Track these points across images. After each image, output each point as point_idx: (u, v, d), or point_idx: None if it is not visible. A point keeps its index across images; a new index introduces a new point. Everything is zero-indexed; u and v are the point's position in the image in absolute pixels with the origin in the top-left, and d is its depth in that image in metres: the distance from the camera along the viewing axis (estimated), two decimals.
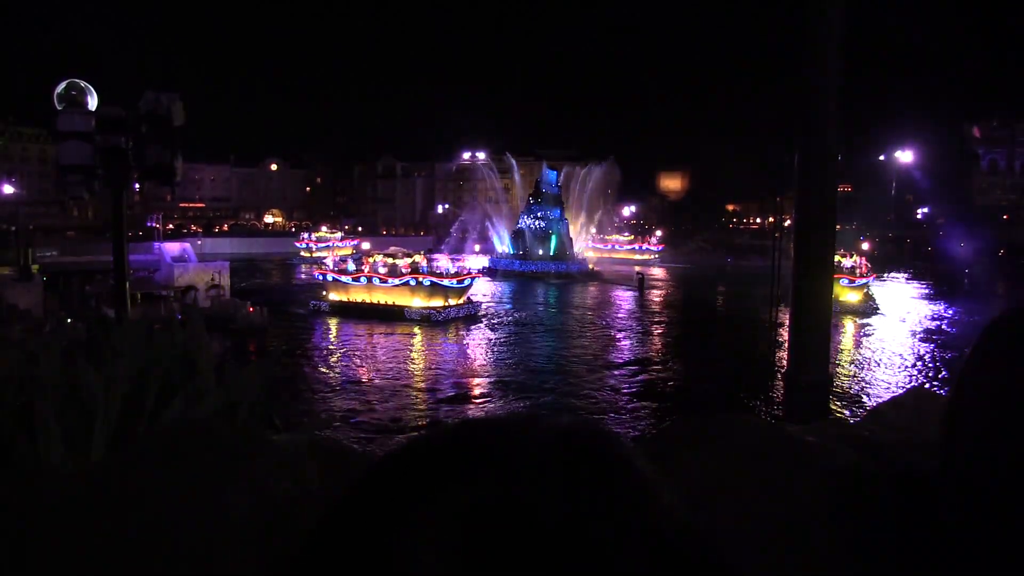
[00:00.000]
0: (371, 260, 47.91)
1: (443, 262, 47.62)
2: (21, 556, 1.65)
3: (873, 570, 1.01)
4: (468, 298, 47.07)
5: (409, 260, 47.19)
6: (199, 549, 1.63)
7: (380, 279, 46.47)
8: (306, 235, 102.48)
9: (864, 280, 49.83)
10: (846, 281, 48.09)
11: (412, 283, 45.45)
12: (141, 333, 3.94)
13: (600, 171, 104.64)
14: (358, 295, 46.53)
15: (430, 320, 43.30)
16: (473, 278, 49.05)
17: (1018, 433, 0.81)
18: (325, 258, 50.64)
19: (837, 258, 48.87)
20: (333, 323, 43.48)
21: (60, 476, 2.78)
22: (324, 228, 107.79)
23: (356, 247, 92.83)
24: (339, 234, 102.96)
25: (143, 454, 2.23)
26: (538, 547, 0.43)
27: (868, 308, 48.12)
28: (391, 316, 44.03)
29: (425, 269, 46.07)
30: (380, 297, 46.10)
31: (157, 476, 1.91)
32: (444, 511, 0.45)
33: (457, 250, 54.82)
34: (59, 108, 11.17)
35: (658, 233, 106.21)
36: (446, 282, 45.58)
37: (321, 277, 48.47)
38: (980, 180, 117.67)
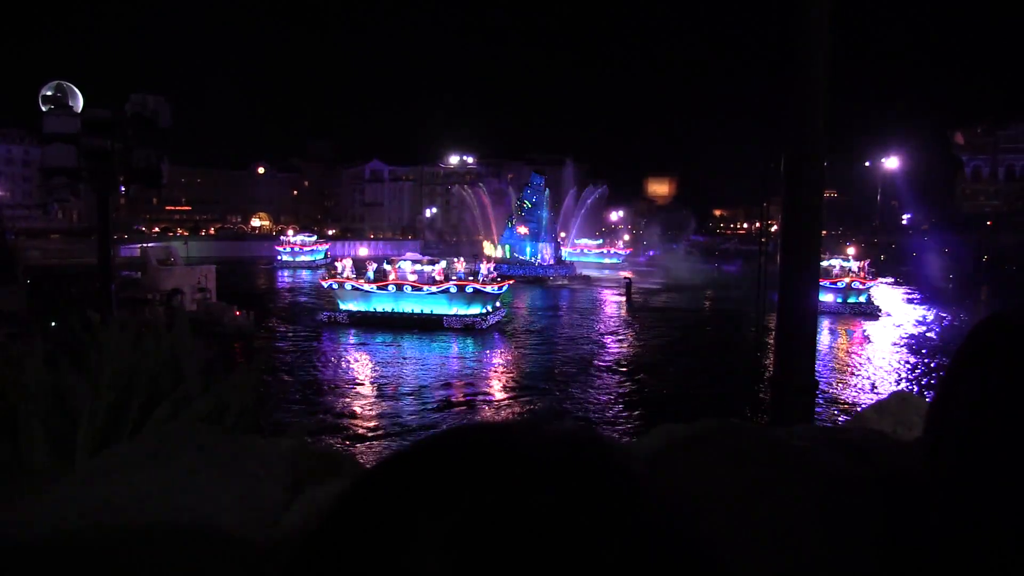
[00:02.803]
0: (397, 267, 44.59)
1: (482, 267, 45.33)
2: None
3: (860, 573, 1.02)
4: (499, 304, 45.20)
5: (439, 266, 44.68)
6: (185, 555, 1.62)
7: (413, 287, 43.33)
8: (289, 238, 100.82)
9: (873, 283, 51.35)
10: (857, 283, 49.52)
11: (453, 290, 42.89)
12: (127, 336, 3.91)
13: (588, 181, 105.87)
14: (383, 304, 43.42)
15: (474, 328, 41.10)
16: (509, 284, 47.38)
17: (1002, 436, 0.81)
18: (335, 265, 46.78)
19: (840, 262, 50.87)
20: (361, 336, 40.18)
21: (43, 480, 2.76)
22: (290, 232, 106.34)
23: (329, 252, 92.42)
24: (314, 237, 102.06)
25: (128, 458, 2.21)
26: (539, 551, 0.44)
27: (874, 310, 49.36)
28: (426, 326, 41.52)
29: (461, 275, 43.74)
30: (412, 306, 43.26)
31: (142, 481, 1.90)
32: (446, 516, 0.45)
33: (451, 255, 53.20)
34: (44, 110, 11.11)
35: (625, 237, 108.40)
36: (489, 288, 43.33)
37: (336, 286, 44.27)
38: (964, 186, 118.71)
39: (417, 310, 43.37)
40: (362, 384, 29.76)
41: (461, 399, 26.91)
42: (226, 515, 1.62)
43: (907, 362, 34.72)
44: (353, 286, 43.93)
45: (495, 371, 32.63)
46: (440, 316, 42.44)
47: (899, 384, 29.71)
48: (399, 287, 43.69)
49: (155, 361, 3.70)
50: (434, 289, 43.30)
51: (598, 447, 0.52)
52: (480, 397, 27.40)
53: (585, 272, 78.83)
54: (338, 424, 23.19)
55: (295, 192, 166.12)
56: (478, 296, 43.19)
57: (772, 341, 7.30)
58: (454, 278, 43.92)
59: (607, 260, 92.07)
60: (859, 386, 29.65)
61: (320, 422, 22.69)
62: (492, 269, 47.23)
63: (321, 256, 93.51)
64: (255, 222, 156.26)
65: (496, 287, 44.27)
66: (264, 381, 27.42)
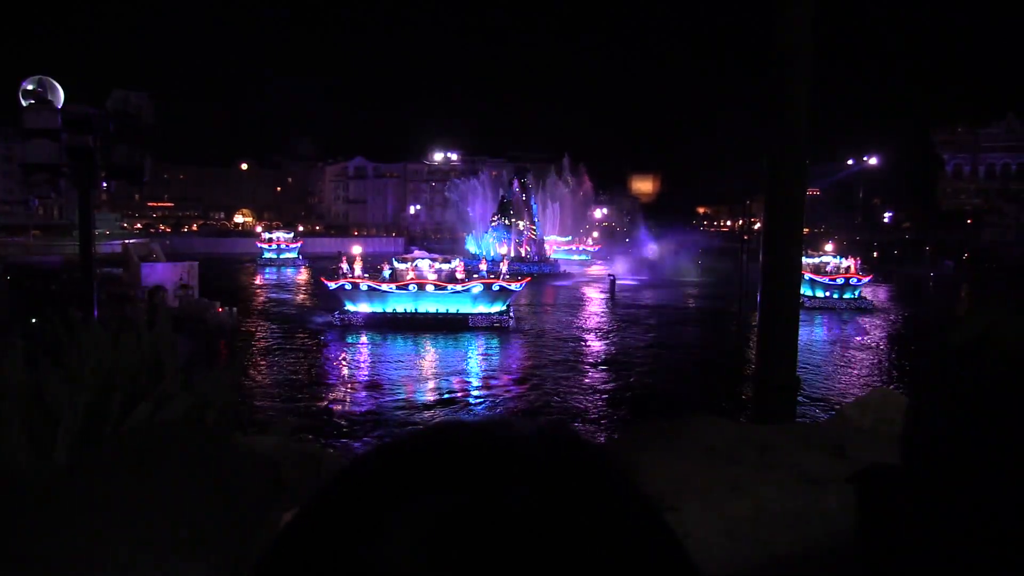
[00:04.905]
0: (414, 266, 43.29)
1: (503, 265, 44.73)
2: None
3: (837, 568, 1.03)
4: (510, 302, 44.51)
5: (457, 264, 43.89)
6: (165, 551, 1.61)
7: (436, 286, 42.15)
8: (264, 234, 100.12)
9: (867, 279, 52.56)
10: (854, 279, 50.55)
11: (479, 288, 42.04)
12: (108, 334, 3.88)
13: (568, 174, 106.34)
14: (402, 305, 42.11)
15: (501, 327, 40.45)
16: (528, 281, 47.16)
17: (979, 433, 0.82)
18: (341, 264, 44.32)
19: (833, 259, 51.94)
20: (370, 335, 38.92)
21: (22, 480, 2.73)
22: (260, 227, 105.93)
23: (302, 249, 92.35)
24: (291, 234, 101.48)
25: (108, 458, 2.20)
26: (511, 547, 0.44)
27: (867, 305, 50.50)
28: (451, 326, 40.58)
29: (483, 273, 43.00)
30: (434, 306, 42.11)
31: (122, 480, 1.88)
32: (420, 512, 0.46)
33: (446, 252, 52.57)
34: (24, 105, 10.99)
35: (595, 235, 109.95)
36: (514, 286, 42.67)
37: (348, 286, 42.14)
38: (945, 184, 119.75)
39: (441, 310, 42.32)
40: (357, 383, 29.58)
41: (458, 397, 26.87)
42: (204, 512, 1.62)
43: (888, 359, 35.07)
44: (370, 286, 42.18)
45: (500, 369, 32.60)
46: (465, 315, 41.49)
47: (880, 380, 29.96)
48: (420, 286, 42.35)
49: (135, 359, 3.67)
50: (458, 288, 42.22)
51: (571, 443, 0.52)
52: (481, 394, 27.40)
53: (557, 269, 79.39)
54: (329, 423, 23.06)
55: (278, 189, 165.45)
56: (502, 293, 42.46)
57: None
58: (476, 276, 43.10)
59: (576, 256, 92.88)
60: (844, 380, 29.89)
61: (308, 421, 22.53)
62: (510, 266, 46.67)
63: (296, 254, 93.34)
64: (239, 218, 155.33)
65: (519, 284, 43.81)
66: (261, 382, 27.35)
